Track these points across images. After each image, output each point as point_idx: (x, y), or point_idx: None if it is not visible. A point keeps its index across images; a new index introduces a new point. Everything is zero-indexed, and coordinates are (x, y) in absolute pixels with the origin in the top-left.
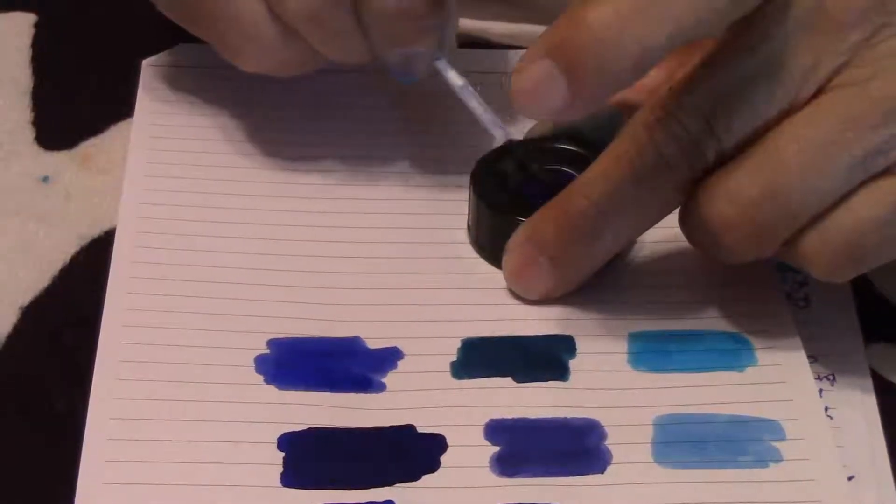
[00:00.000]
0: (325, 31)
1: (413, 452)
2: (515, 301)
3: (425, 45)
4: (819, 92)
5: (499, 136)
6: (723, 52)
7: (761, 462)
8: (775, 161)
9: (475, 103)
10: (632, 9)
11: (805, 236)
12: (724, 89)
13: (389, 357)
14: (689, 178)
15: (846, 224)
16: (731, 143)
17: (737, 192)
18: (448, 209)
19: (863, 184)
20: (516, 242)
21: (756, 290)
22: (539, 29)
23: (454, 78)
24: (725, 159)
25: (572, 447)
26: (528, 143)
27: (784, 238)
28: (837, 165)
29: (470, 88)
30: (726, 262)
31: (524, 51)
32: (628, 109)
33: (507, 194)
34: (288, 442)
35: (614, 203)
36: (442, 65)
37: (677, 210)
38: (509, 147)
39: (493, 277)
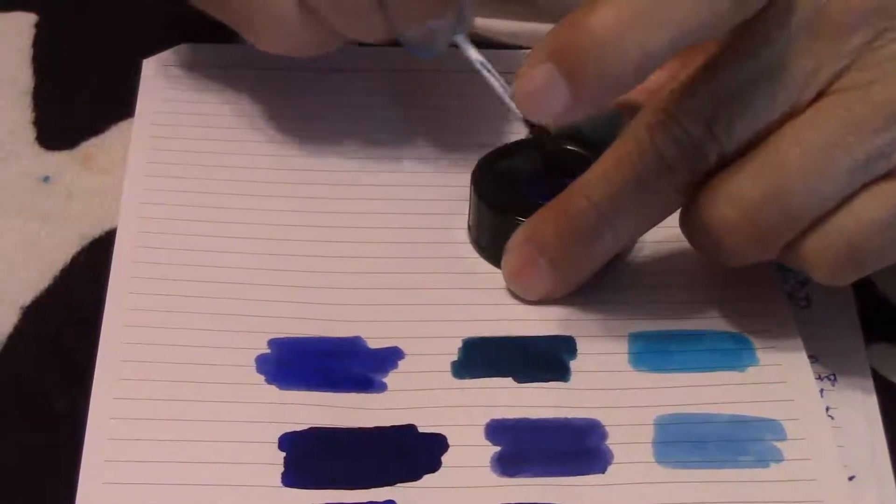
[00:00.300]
0: (344, 9)
1: (414, 452)
2: (516, 301)
3: (444, 19)
4: (820, 95)
5: (515, 111)
6: (724, 55)
7: (762, 462)
8: (777, 164)
9: (493, 79)
10: (634, 14)
11: (806, 239)
12: (726, 92)
13: (390, 357)
14: (689, 181)
15: (848, 227)
16: (732, 146)
17: (738, 195)
18: (449, 209)
19: (864, 186)
20: (516, 243)
21: (757, 289)
22: (541, 27)
23: (473, 53)
24: (727, 162)
25: (573, 447)
26: (529, 143)
27: (785, 241)
28: (839, 168)
29: (488, 64)
30: (727, 264)
31: (526, 51)
32: (629, 109)
33: (508, 194)
34: (289, 442)
35: (615, 205)
36: (461, 39)
37: (678, 211)
38: (510, 147)
39: (494, 277)
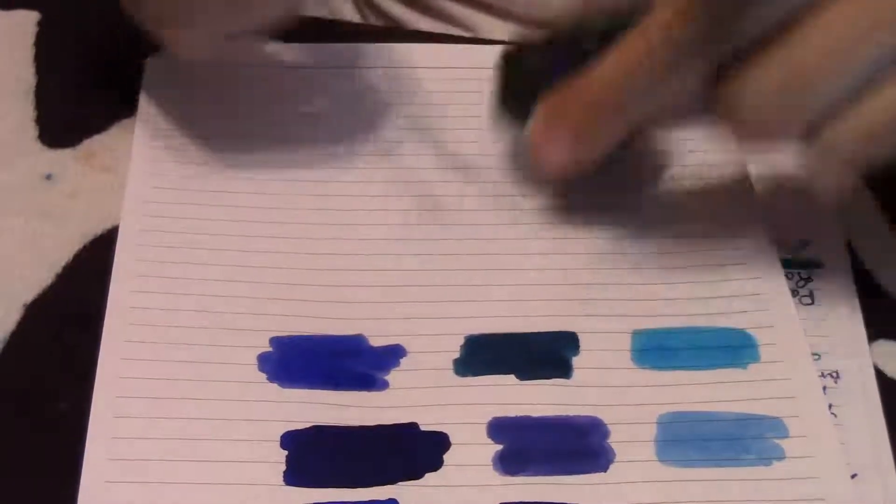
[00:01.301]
0: None
1: (416, 450)
2: (518, 299)
3: None
4: None
5: None
6: None
7: (764, 460)
8: (801, 52)
9: None
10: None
11: (827, 126)
12: None
13: (392, 355)
14: (706, 66)
15: (871, 113)
16: (753, 32)
17: (764, 81)
18: (450, 206)
19: (888, 77)
20: (539, 112)
21: (760, 287)
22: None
23: None
24: (747, 51)
25: (575, 445)
26: (550, 44)
27: (805, 126)
28: (863, 62)
29: None
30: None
31: None
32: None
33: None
34: (291, 440)
35: (632, 81)
36: None
37: (678, 210)
38: (532, 47)
39: (496, 275)
